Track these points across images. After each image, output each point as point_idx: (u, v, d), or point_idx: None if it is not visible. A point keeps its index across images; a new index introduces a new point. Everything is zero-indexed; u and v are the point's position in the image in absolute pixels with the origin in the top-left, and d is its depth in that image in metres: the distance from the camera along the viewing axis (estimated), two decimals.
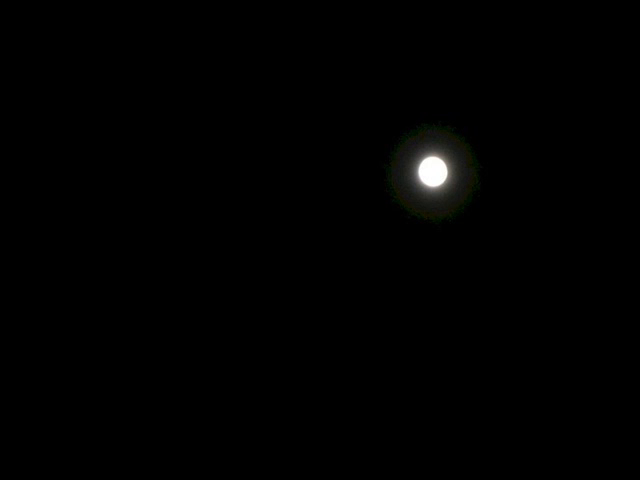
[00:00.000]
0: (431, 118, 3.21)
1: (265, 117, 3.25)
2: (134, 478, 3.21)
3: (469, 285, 3.28)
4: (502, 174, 3.23)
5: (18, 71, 3.18)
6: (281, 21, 3.17)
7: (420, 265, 3.28)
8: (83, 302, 3.25)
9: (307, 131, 3.25)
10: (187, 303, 3.29)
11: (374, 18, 3.17)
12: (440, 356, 3.29)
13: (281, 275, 3.29)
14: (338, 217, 3.27)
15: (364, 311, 3.30)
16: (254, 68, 3.22)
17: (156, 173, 3.26)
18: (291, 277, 3.29)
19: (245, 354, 3.29)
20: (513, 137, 3.21)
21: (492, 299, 3.28)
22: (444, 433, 3.27)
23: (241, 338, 3.30)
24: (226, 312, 3.29)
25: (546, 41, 3.15)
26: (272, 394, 3.29)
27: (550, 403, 3.24)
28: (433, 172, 3.24)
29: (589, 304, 3.23)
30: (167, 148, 3.26)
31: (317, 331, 3.30)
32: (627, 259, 3.21)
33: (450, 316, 3.29)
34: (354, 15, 3.16)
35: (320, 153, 3.26)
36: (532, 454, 3.23)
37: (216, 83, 3.22)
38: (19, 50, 3.17)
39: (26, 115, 3.20)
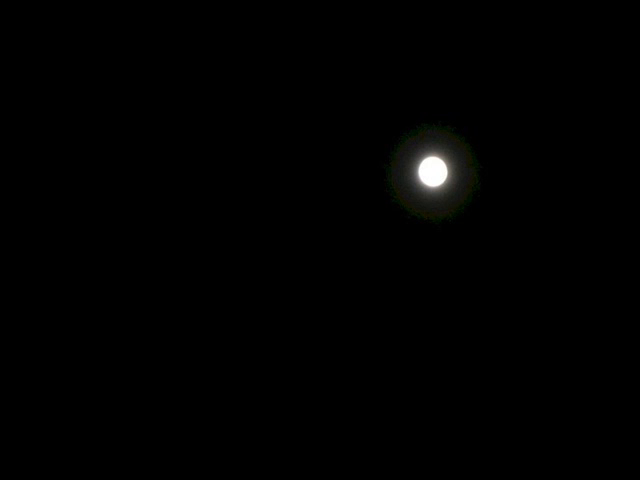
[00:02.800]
0: (431, 118, 3.21)
1: (265, 118, 3.25)
2: (134, 478, 3.21)
3: (469, 285, 3.28)
4: (502, 174, 3.23)
5: (18, 72, 3.18)
6: (281, 21, 3.18)
7: (420, 265, 3.28)
8: (83, 302, 3.25)
9: (307, 131, 3.25)
10: (188, 303, 3.29)
11: (374, 18, 3.17)
12: (440, 356, 3.30)
13: (281, 275, 3.29)
14: (338, 217, 3.28)
15: (364, 311, 3.30)
16: (254, 69, 3.22)
17: (156, 174, 3.26)
18: (291, 277, 3.29)
19: (245, 354, 3.30)
20: (513, 137, 3.22)
21: (492, 299, 3.28)
22: (444, 433, 3.27)
23: (241, 338, 3.30)
24: (226, 312, 3.29)
25: (545, 41, 3.15)
26: (272, 394, 3.29)
27: (549, 402, 3.24)
28: (433, 172, 3.24)
29: (589, 303, 3.23)
30: (167, 148, 3.26)
31: (317, 331, 3.30)
32: (627, 259, 3.21)
33: (450, 316, 3.30)
34: (354, 15, 3.16)
35: (320, 153, 3.26)
36: (532, 454, 3.23)
37: (216, 84, 3.22)
38: (19, 50, 3.17)
39: (26, 116, 3.20)
